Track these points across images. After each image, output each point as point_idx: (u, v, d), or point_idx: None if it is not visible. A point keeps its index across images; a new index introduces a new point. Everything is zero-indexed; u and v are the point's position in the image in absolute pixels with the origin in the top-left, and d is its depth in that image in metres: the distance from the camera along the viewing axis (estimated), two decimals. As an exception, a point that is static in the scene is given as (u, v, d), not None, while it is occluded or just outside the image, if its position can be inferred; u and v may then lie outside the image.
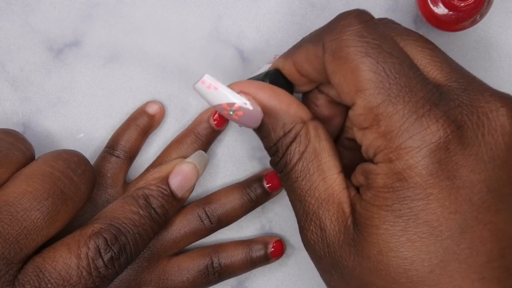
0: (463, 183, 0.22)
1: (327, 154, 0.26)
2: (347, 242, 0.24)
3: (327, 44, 0.25)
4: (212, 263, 0.35)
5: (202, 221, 0.35)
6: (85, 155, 0.36)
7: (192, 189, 0.33)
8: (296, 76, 0.28)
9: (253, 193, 0.35)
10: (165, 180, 0.32)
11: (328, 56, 0.25)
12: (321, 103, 0.29)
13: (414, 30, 0.36)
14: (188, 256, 0.35)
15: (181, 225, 0.34)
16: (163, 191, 0.32)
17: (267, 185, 0.35)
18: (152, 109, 0.36)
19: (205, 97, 0.27)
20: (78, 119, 0.36)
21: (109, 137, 0.36)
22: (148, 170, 0.35)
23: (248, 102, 0.26)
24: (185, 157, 0.34)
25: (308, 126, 0.26)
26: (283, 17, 0.36)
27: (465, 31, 0.35)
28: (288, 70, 0.28)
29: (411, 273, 0.22)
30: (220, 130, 0.36)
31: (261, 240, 0.36)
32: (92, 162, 0.36)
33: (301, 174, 0.26)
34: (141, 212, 0.30)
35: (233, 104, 0.26)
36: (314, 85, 0.29)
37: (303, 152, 0.26)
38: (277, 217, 0.37)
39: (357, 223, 0.24)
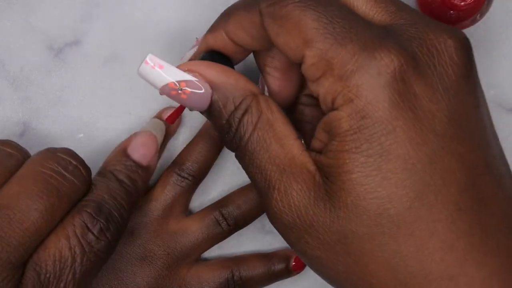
0: (424, 113, 0.22)
1: (281, 123, 0.25)
2: (320, 197, 0.23)
3: (265, 10, 0.24)
4: (233, 276, 0.34)
5: (220, 224, 0.34)
6: (85, 155, 0.37)
7: (156, 155, 0.33)
8: (231, 47, 0.27)
9: None
10: (124, 152, 0.32)
11: (268, 20, 0.24)
12: (272, 72, 0.28)
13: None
14: (209, 267, 0.35)
15: (199, 231, 0.34)
16: (124, 162, 0.31)
17: None
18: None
19: (151, 80, 0.26)
20: (78, 118, 0.36)
21: (109, 136, 0.36)
22: None
23: (196, 79, 0.26)
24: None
25: (259, 98, 0.25)
26: (283, 16, 0.36)
27: (465, 30, 0.35)
28: (221, 42, 0.27)
29: (391, 212, 0.22)
30: (173, 127, 0.36)
31: (283, 254, 0.36)
32: (95, 162, 0.36)
33: (258, 144, 0.25)
34: (111, 185, 0.29)
35: (180, 81, 0.25)
36: (248, 53, 0.29)
37: (256, 123, 0.25)
38: (278, 216, 0.37)
39: (328, 175, 0.23)
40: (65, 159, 0.27)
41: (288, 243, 0.26)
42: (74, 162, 0.27)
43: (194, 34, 0.36)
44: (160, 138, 0.33)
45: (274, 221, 0.26)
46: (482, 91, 0.25)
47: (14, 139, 0.36)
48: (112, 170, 0.30)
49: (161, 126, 0.34)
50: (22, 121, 0.36)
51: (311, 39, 0.23)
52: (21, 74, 0.36)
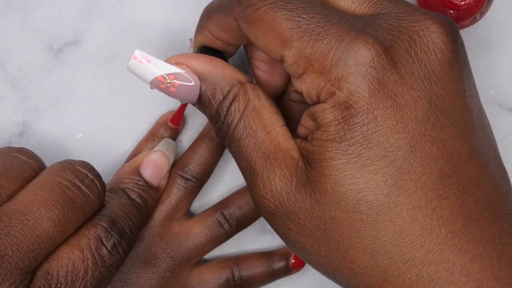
0: (405, 101, 0.22)
1: (268, 111, 0.26)
2: (301, 183, 0.24)
3: (239, 15, 0.25)
4: (233, 276, 0.35)
5: (222, 226, 0.35)
6: (84, 154, 0.37)
7: (167, 176, 0.34)
8: (219, 44, 0.28)
9: None
10: (137, 171, 0.32)
11: (244, 25, 0.25)
12: (259, 65, 0.29)
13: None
14: (209, 268, 0.35)
15: (202, 233, 0.34)
16: (137, 182, 0.32)
17: None
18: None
19: (140, 75, 0.26)
20: (78, 118, 0.36)
21: (109, 136, 0.36)
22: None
23: (183, 71, 0.26)
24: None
25: (246, 86, 0.26)
26: (283, 16, 0.36)
27: (465, 30, 0.35)
28: (209, 40, 0.28)
29: (370, 198, 0.22)
30: (179, 129, 0.36)
31: (282, 252, 0.36)
32: (92, 161, 0.36)
33: (244, 131, 0.25)
34: (123, 202, 0.29)
35: (168, 74, 0.26)
36: (239, 46, 0.29)
37: (243, 111, 0.25)
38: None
39: (310, 161, 0.24)
40: (82, 172, 0.27)
41: (273, 229, 0.26)
42: (91, 176, 0.27)
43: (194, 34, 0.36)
44: (172, 159, 0.34)
45: (258, 207, 0.26)
46: (471, 78, 0.25)
47: (14, 139, 0.36)
48: (124, 188, 0.31)
49: (173, 146, 0.35)
50: (21, 121, 0.36)
51: (287, 39, 0.23)
52: (20, 74, 0.36)
